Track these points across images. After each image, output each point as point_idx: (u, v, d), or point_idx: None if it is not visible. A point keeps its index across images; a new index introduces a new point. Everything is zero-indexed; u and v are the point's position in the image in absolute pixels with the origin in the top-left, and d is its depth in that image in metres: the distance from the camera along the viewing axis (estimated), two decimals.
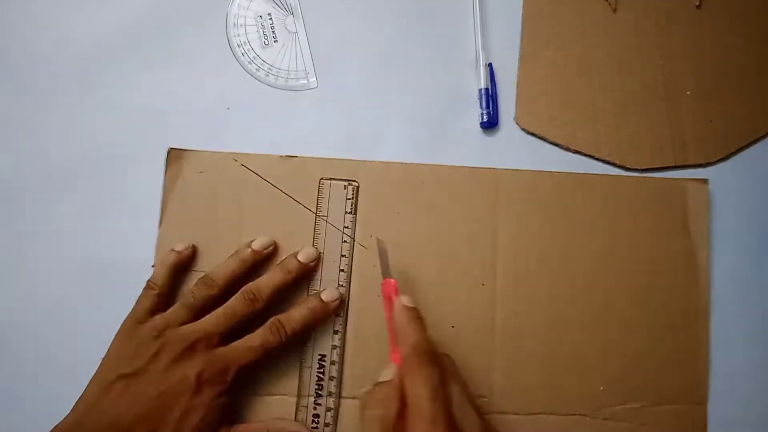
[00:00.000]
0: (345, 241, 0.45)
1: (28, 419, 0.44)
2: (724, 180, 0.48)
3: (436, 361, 0.37)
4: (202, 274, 0.43)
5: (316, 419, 0.43)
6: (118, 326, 0.43)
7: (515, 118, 0.48)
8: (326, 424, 0.43)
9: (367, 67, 0.49)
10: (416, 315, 0.38)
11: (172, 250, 0.44)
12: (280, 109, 0.48)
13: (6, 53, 0.48)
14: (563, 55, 0.48)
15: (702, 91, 0.48)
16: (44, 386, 0.45)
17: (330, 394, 0.43)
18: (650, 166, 0.47)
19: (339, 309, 0.44)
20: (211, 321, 0.41)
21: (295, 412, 0.43)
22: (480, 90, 0.48)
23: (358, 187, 0.45)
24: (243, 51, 0.48)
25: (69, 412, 0.40)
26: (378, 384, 0.38)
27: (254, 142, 0.47)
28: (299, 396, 0.43)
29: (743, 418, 0.46)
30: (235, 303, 0.42)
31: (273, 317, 0.42)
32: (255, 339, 0.41)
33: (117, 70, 0.48)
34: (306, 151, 0.47)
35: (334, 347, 0.44)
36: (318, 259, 0.45)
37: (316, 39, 0.49)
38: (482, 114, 0.48)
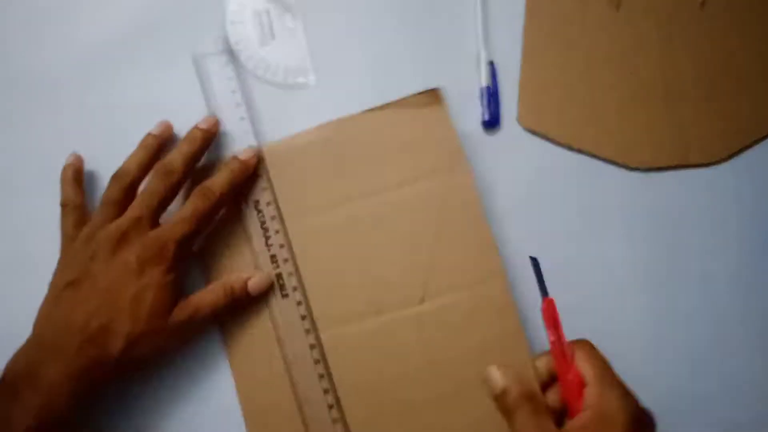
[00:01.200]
0: (239, 104, 0.46)
1: None
2: (725, 180, 0.48)
3: (543, 409, 0.39)
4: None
5: (274, 259, 0.44)
6: None
7: (517, 117, 0.48)
8: (284, 260, 0.44)
9: (366, 65, 0.48)
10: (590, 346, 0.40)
11: (66, 165, 0.45)
12: (278, 107, 0.48)
13: (6, 53, 0.48)
14: (565, 54, 0.48)
15: (704, 90, 0.48)
16: None
17: (277, 232, 0.44)
18: (651, 166, 0.47)
19: (258, 165, 0.45)
20: (134, 207, 0.42)
21: (254, 262, 0.44)
22: (481, 89, 0.47)
23: (232, 51, 0.47)
24: (241, 48, 0.48)
25: None
26: (503, 392, 0.39)
27: (255, 139, 0.47)
28: (250, 246, 0.44)
29: (743, 418, 0.46)
30: (151, 182, 0.42)
31: (198, 186, 0.43)
32: (185, 209, 0.42)
33: (116, 69, 0.48)
34: None
35: (263, 189, 0.45)
36: (217, 123, 0.45)
37: (315, 36, 0.49)
38: (484, 113, 0.47)
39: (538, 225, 0.47)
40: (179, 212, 0.42)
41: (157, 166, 0.43)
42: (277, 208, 0.45)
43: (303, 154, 0.45)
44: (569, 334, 0.46)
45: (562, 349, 0.39)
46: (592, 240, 0.47)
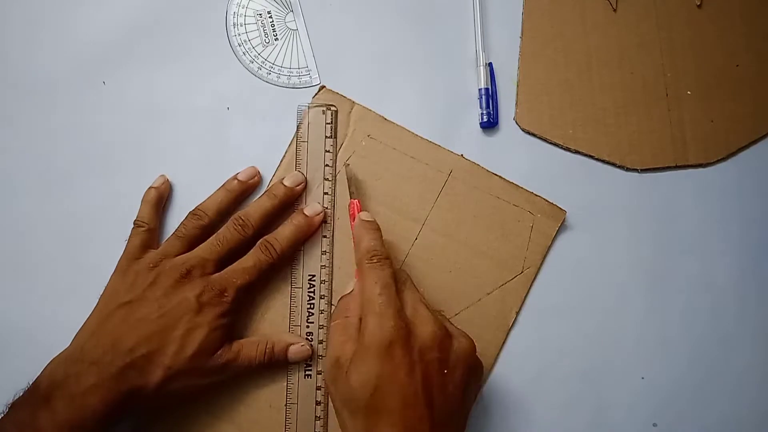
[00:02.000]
0: (327, 165, 0.46)
1: None
2: (724, 180, 0.48)
3: (389, 264, 0.40)
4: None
5: (309, 336, 0.44)
6: None
7: (515, 118, 0.48)
8: (320, 341, 0.44)
9: (368, 65, 0.49)
10: (373, 227, 0.41)
11: (151, 187, 0.45)
12: (281, 107, 0.48)
13: (6, 53, 0.48)
14: (563, 54, 0.48)
15: (702, 90, 0.48)
16: None
17: (321, 311, 0.45)
18: (650, 166, 0.47)
19: (322, 224, 0.45)
20: (204, 249, 0.43)
21: (288, 331, 0.45)
22: (480, 90, 0.48)
23: (336, 111, 0.47)
24: (244, 50, 0.48)
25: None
26: (342, 297, 0.41)
27: (255, 140, 0.47)
28: (291, 316, 0.45)
29: (743, 418, 0.46)
30: (225, 230, 0.43)
31: (261, 239, 0.43)
32: (248, 260, 0.43)
33: (117, 70, 0.48)
34: None
35: (322, 266, 0.45)
36: (303, 183, 0.46)
37: (317, 36, 0.49)
38: (482, 114, 0.48)
39: None
40: (242, 261, 0.43)
41: (235, 216, 0.44)
42: (330, 289, 0.45)
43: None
44: (570, 334, 0.46)
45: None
46: (591, 240, 0.47)
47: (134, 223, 0.44)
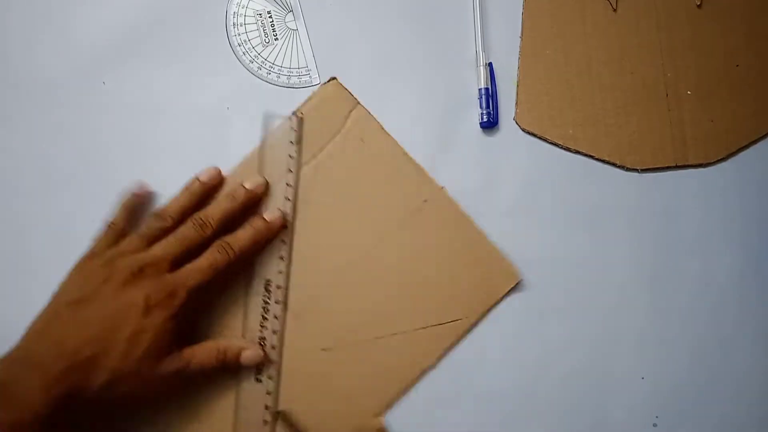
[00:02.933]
0: (290, 171, 0.46)
1: None
2: (724, 180, 0.48)
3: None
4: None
5: (262, 341, 0.44)
6: None
7: (515, 118, 0.48)
8: (272, 347, 0.44)
9: (368, 65, 0.49)
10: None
11: (133, 192, 0.45)
12: (281, 107, 0.48)
13: (6, 53, 0.48)
14: (563, 54, 0.48)
15: (702, 90, 0.48)
16: None
17: (276, 317, 0.44)
18: (650, 166, 0.47)
19: (285, 230, 0.45)
20: (160, 246, 0.42)
21: (242, 335, 0.44)
22: (480, 90, 0.48)
23: (302, 119, 0.47)
24: (244, 50, 0.48)
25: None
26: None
27: (255, 140, 0.47)
28: (245, 319, 0.44)
29: (744, 419, 0.46)
30: (184, 229, 0.42)
31: (218, 239, 0.43)
32: (203, 261, 0.42)
33: (117, 70, 0.48)
34: None
35: (279, 272, 0.45)
36: (264, 186, 0.45)
37: (317, 36, 0.49)
38: (482, 114, 0.48)
39: (536, 225, 0.47)
40: (197, 262, 0.42)
41: (194, 215, 0.43)
42: (286, 294, 0.45)
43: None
44: (570, 334, 0.46)
45: None
46: (591, 240, 0.47)
47: (105, 223, 0.44)
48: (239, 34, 0.48)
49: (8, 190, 0.47)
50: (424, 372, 0.45)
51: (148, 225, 0.43)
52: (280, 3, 0.49)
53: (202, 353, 0.42)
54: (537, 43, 0.48)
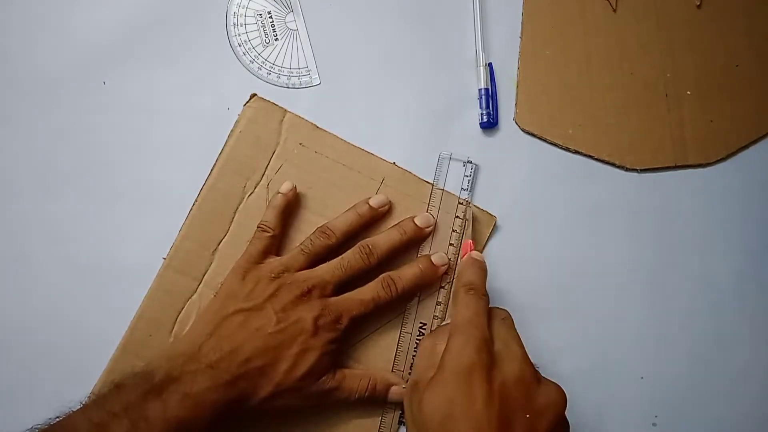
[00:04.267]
0: (458, 217, 0.46)
1: (27, 418, 0.44)
2: (724, 180, 0.48)
3: (485, 299, 0.40)
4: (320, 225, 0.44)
5: None
6: (118, 326, 0.43)
7: (515, 118, 0.48)
8: None
9: (368, 65, 0.49)
10: (480, 265, 0.42)
11: (278, 192, 0.45)
12: (282, 107, 0.48)
13: (6, 53, 0.48)
14: (563, 55, 0.48)
15: (702, 91, 0.48)
16: (44, 386, 0.45)
17: None
18: (650, 166, 0.47)
19: (446, 276, 0.45)
20: (327, 270, 0.42)
21: (391, 371, 0.45)
22: (480, 90, 0.48)
23: (477, 167, 0.47)
24: (244, 50, 0.48)
25: (172, 342, 0.42)
26: (438, 326, 0.42)
27: None
28: (395, 358, 0.45)
29: (744, 419, 0.46)
30: (351, 255, 0.43)
31: (385, 273, 0.43)
32: (367, 292, 0.43)
33: (117, 70, 0.48)
34: None
35: (435, 317, 0.45)
36: (433, 226, 0.46)
37: (317, 36, 0.49)
38: (482, 114, 0.48)
39: (536, 225, 0.47)
40: (361, 291, 0.43)
41: (363, 243, 0.44)
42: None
43: None
44: (568, 332, 0.46)
45: None
46: (591, 241, 0.47)
47: (258, 227, 0.44)
48: (239, 34, 0.48)
49: (8, 190, 0.47)
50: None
51: (312, 241, 0.43)
52: (281, 3, 0.49)
53: (353, 380, 0.42)
54: (537, 43, 0.48)
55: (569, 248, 0.47)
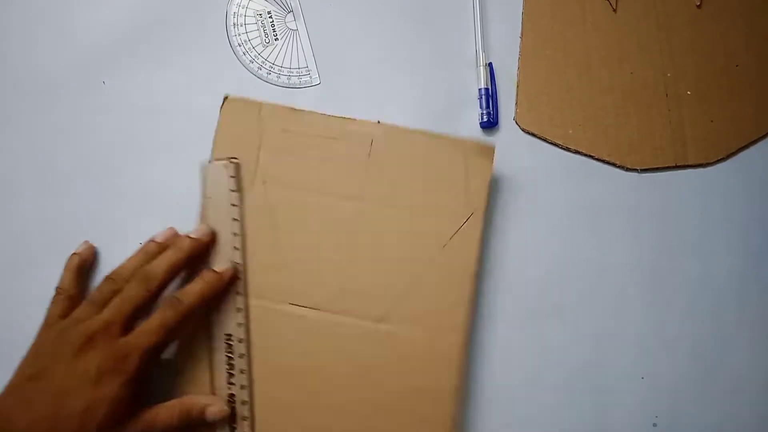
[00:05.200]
0: (235, 219, 0.44)
1: None
2: (724, 180, 0.48)
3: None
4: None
5: (231, 398, 0.43)
6: None
7: (515, 118, 0.48)
8: (243, 402, 0.43)
9: (368, 65, 0.49)
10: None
11: (74, 253, 0.44)
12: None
13: (6, 53, 0.48)
14: (563, 54, 0.48)
15: (702, 91, 0.48)
16: None
17: (242, 371, 0.43)
18: (650, 166, 0.47)
19: (239, 281, 0.43)
20: (108, 310, 0.40)
21: (212, 393, 0.43)
22: (480, 90, 0.48)
23: (239, 164, 0.45)
24: (244, 50, 0.48)
25: None
26: None
27: None
28: (212, 378, 0.43)
29: (744, 419, 0.46)
30: (129, 287, 0.40)
31: (167, 294, 0.41)
32: (153, 320, 0.40)
33: (117, 69, 0.48)
34: None
35: (239, 324, 0.43)
36: (210, 235, 0.43)
37: (317, 36, 0.49)
38: (482, 114, 0.48)
39: (536, 225, 0.47)
40: (147, 322, 0.40)
41: (139, 272, 0.41)
42: (248, 347, 0.43)
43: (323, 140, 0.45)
44: (570, 334, 0.46)
45: None
46: (591, 241, 0.47)
47: (55, 290, 0.43)
48: (239, 34, 0.49)
49: (8, 190, 0.47)
50: (473, 282, 0.44)
51: (100, 289, 0.41)
52: (280, 3, 0.49)
53: (164, 413, 0.40)
54: (537, 43, 0.48)
55: (569, 248, 0.47)
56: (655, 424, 0.45)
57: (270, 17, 0.49)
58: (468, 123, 0.48)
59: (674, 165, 0.47)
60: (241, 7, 0.49)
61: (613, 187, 0.47)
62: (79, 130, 0.47)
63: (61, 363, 0.38)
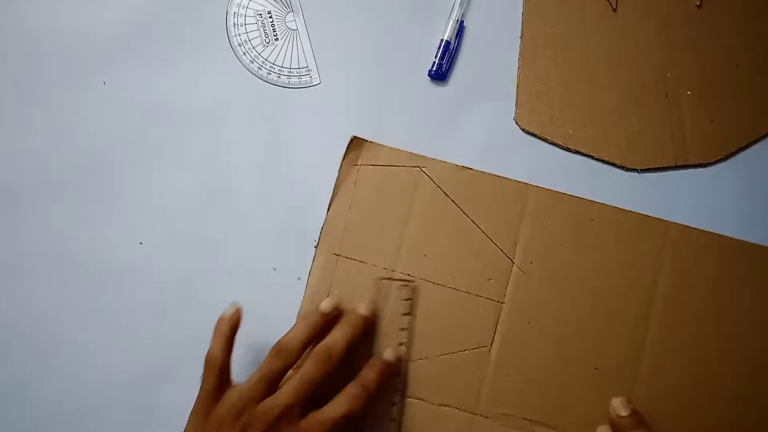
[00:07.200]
0: (403, 329, 0.45)
1: (24, 420, 0.44)
2: (724, 180, 0.48)
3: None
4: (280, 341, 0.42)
5: None
6: (115, 328, 0.43)
7: (515, 118, 0.48)
8: None
9: (368, 65, 0.49)
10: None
11: (223, 317, 0.42)
12: (281, 107, 0.48)
13: (6, 53, 0.48)
14: (563, 54, 0.48)
15: (702, 90, 0.48)
16: (40, 388, 0.45)
17: None
18: (650, 166, 0.47)
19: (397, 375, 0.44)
20: (289, 392, 0.40)
21: None
22: (441, 40, 0.48)
23: (416, 288, 0.45)
24: (244, 50, 0.48)
25: None
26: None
27: (255, 140, 0.47)
28: None
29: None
30: (309, 367, 0.40)
31: (350, 385, 0.41)
32: (338, 408, 0.40)
33: (117, 70, 0.48)
34: (308, 147, 0.47)
35: (392, 404, 0.44)
36: (375, 313, 0.45)
37: (317, 35, 0.49)
38: (434, 63, 0.47)
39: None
40: (333, 406, 0.40)
41: (317, 350, 0.41)
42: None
43: None
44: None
45: None
46: None
47: (206, 359, 0.41)
48: (239, 34, 0.49)
49: (8, 190, 0.47)
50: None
51: (270, 366, 0.41)
52: (281, 3, 0.49)
53: None
54: (537, 43, 0.48)
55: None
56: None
57: (270, 17, 0.49)
58: (471, 122, 0.48)
59: (674, 165, 0.47)
60: (241, 7, 0.49)
61: (613, 187, 0.47)
62: (78, 130, 0.47)
63: None
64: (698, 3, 0.49)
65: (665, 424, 0.44)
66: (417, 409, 0.44)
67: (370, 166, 0.47)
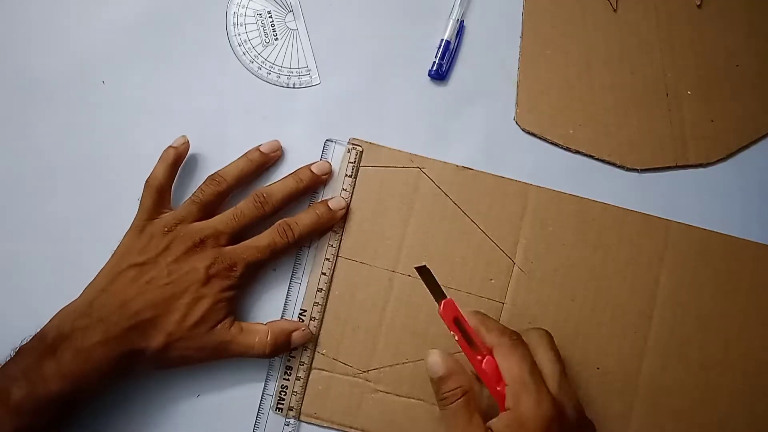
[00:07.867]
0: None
1: None
2: (724, 180, 0.48)
3: (522, 340, 0.38)
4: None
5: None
6: None
7: (515, 118, 0.48)
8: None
9: (368, 65, 0.49)
10: (483, 314, 0.40)
11: (170, 147, 0.45)
12: (281, 107, 0.48)
13: (6, 53, 0.48)
14: (564, 54, 0.48)
15: (703, 90, 0.48)
16: None
17: (316, 303, 0.45)
18: (650, 166, 0.47)
19: (342, 220, 0.45)
20: (221, 220, 0.43)
21: (281, 316, 0.45)
22: (441, 40, 0.48)
23: (361, 151, 0.46)
24: (244, 50, 0.48)
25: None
26: (440, 379, 0.38)
27: (255, 140, 0.47)
28: (286, 303, 0.46)
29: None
30: (245, 204, 0.43)
31: (281, 220, 0.44)
32: (263, 239, 0.43)
33: (117, 69, 0.48)
34: (308, 147, 0.47)
35: (326, 259, 0.45)
36: (329, 173, 0.46)
37: (317, 35, 0.49)
38: (434, 63, 0.48)
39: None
40: (257, 238, 0.43)
41: (257, 192, 0.44)
42: (329, 285, 0.45)
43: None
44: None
45: (469, 350, 0.38)
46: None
47: (146, 182, 0.44)
48: (239, 34, 0.49)
49: (8, 190, 0.47)
50: None
51: (203, 190, 0.44)
52: (280, 3, 0.49)
53: (251, 334, 0.42)
54: (537, 43, 0.48)
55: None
56: None
57: (270, 17, 0.49)
58: (471, 121, 0.48)
59: (674, 165, 0.47)
60: (241, 7, 0.49)
61: (614, 187, 0.47)
62: (79, 130, 0.47)
63: (171, 257, 0.41)
64: (698, 3, 0.49)
65: (667, 422, 0.44)
66: (418, 409, 0.45)
67: (370, 167, 0.47)
